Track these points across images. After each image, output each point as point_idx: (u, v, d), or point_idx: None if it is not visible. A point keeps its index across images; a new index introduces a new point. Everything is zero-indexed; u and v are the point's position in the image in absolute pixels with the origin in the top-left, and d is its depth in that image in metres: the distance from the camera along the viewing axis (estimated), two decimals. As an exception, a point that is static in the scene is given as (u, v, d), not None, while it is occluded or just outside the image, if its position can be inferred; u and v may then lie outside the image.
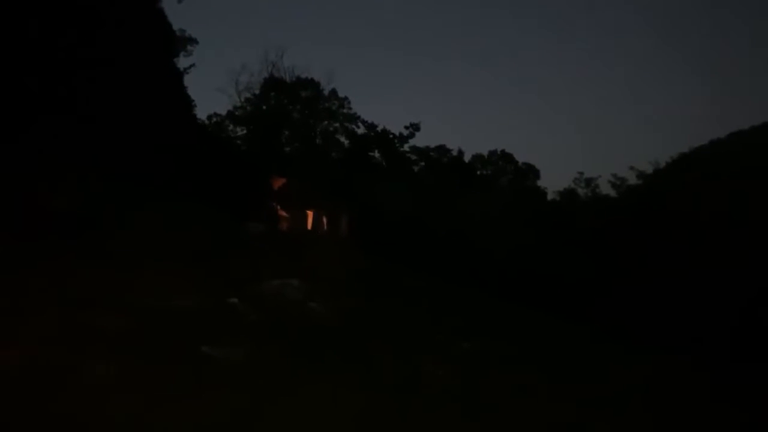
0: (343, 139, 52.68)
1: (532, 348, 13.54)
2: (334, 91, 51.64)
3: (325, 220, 19.57)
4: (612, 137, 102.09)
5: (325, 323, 11.40)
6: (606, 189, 53.69)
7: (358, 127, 52.21)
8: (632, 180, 51.05)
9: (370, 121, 52.04)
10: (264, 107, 49.50)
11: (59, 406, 6.50)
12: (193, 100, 35.63)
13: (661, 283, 25.54)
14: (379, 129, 51.73)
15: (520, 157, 58.94)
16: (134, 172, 20.00)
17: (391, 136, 51.66)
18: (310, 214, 19.50)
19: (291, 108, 50.58)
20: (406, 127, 52.32)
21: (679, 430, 9.13)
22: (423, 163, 54.03)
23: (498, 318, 17.86)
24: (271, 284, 12.48)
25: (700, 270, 24.96)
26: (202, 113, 46.31)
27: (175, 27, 36.01)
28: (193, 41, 39.76)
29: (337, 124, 52.54)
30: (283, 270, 13.88)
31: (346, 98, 51.95)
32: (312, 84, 50.46)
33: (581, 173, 57.16)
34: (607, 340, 18.87)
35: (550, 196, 55.20)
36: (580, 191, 55.27)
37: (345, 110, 52.17)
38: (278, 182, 27.35)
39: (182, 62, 37.14)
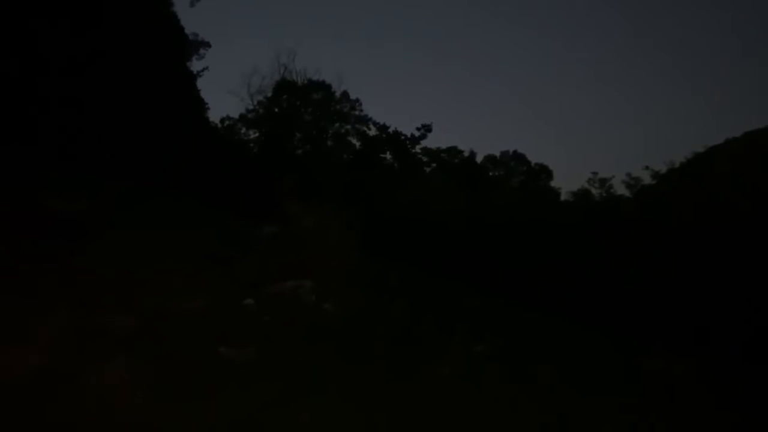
0: (354, 140, 52.63)
1: (544, 350, 13.43)
2: (345, 94, 51.62)
3: (337, 221, 19.53)
4: (627, 137, 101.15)
5: (337, 325, 11.38)
6: (620, 189, 53.16)
7: (370, 128, 52.10)
8: (647, 180, 50.52)
9: (381, 123, 51.92)
10: (276, 110, 49.62)
11: (75, 407, 6.52)
12: (207, 103, 35.90)
13: (675, 284, 25.24)
14: (390, 130, 51.61)
15: (533, 158, 58.60)
16: (145, 174, 20.13)
17: (402, 137, 51.52)
18: (322, 215, 19.52)
19: (302, 110, 50.66)
20: (418, 129, 52.13)
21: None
22: (434, 165, 53.88)
23: (510, 320, 17.72)
24: (284, 286, 12.49)
25: (715, 269, 24.66)
26: (215, 116, 46.52)
27: (188, 31, 36.30)
28: (205, 45, 39.92)
29: (348, 126, 52.49)
30: (296, 272, 13.88)
31: (357, 100, 51.91)
32: (323, 86, 50.48)
33: (595, 173, 56.64)
34: (620, 340, 18.66)
35: (563, 197, 54.78)
36: (594, 191, 54.80)
37: (356, 112, 52.10)
38: (290, 184, 27.41)
39: (195, 65, 37.30)
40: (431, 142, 54.65)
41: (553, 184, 57.25)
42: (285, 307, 11.54)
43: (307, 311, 11.63)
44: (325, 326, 11.19)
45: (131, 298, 10.36)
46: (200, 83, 36.25)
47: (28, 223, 12.38)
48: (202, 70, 37.69)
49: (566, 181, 67.86)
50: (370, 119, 52.23)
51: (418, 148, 53.09)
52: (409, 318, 13.46)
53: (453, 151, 55.69)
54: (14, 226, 12.00)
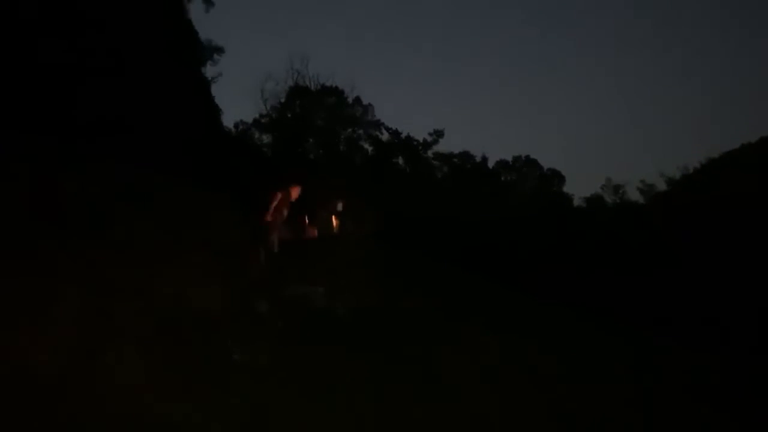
0: (366, 145, 52.78)
1: (557, 343, 13.41)
2: (358, 99, 51.85)
3: (350, 225, 19.52)
4: (641, 143, 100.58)
5: (352, 328, 11.39)
6: (635, 196, 52.82)
7: (382, 133, 52.27)
8: (661, 186, 50.18)
9: (393, 128, 52.05)
10: (289, 115, 49.87)
11: (87, 407, 6.55)
12: (221, 109, 36.20)
13: (690, 284, 25.10)
14: (402, 136, 51.72)
15: (545, 163, 58.44)
16: (162, 168, 20.31)
17: (414, 142, 51.60)
18: (335, 219, 19.53)
19: (315, 115, 50.87)
20: (430, 134, 52.25)
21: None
22: (446, 169, 53.85)
23: (524, 313, 17.67)
24: (298, 289, 12.51)
25: (729, 272, 24.52)
26: (228, 120, 46.84)
27: (203, 36, 36.66)
28: (219, 50, 40.27)
29: (360, 131, 52.68)
30: (310, 274, 13.91)
31: (369, 105, 52.10)
32: (336, 91, 50.72)
33: (608, 179, 56.30)
34: (632, 337, 18.59)
35: (576, 203, 54.50)
36: (608, 198, 54.45)
37: (369, 117, 52.31)
38: (304, 188, 27.44)
39: (209, 71, 37.55)
40: (444, 146, 54.83)
41: (565, 189, 57.05)
42: (298, 310, 11.55)
43: (320, 315, 11.64)
44: (340, 330, 11.20)
45: (145, 295, 10.34)
46: (214, 89, 36.57)
47: (45, 207, 12.25)
48: (217, 76, 37.97)
49: (579, 188, 67.33)
50: (383, 124, 52.45)
51: (430, 153, 53.22)
52: (424, 315, 13.44)
53: (465, 155, 55.67)
54: (31, 210, 11.89)
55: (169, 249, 12.08)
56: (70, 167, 13.92)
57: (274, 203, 14.87)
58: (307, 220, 24.94)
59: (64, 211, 11.81)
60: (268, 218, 14.59)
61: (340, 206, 18.67)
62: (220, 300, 10.77)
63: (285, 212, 15.62)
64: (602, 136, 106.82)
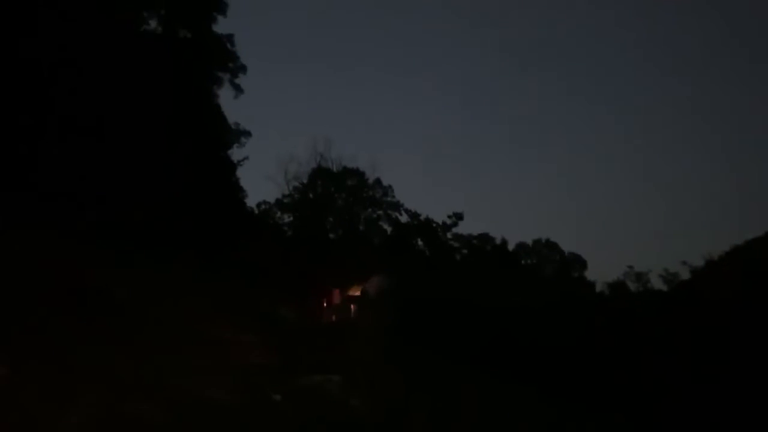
0: (386, 226, 53.29)
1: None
2: (378, 180, 52.88)
3: (367, 313, 19.45)
4: (662, 230, 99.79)
5: (366, 422, 11.06)
6: (658, 284, 51.91)
7: (401, 214, 52.86)
8: (685, 275, 49.27)
9: (413, 210, 52.69)
10: (310, 195, 50.88)
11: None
12: (245, 190, 37.04)
13: (714, 384, 23.94)
14: (422, 218, 52.23)
15: (566, 246, 58.17)
16: (180, 256, 20.62)
17: (434, 225, 51.99)
18: (353, 305, 19.49)
19: (336, 196, 51.84)
20: (449, 216, 52.69)
21: None
22: (465, 251, 53.80)
23: (546, 416, 16.99)
24: (312, 379, 12.30)
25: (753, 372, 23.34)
26: (252, 200, 47.78)
27: (231, 120, 38.10)
28: (246, 134, 41.57)
29: (380, 212, 53.36)
30: (325, 363, 13.71)
31: (390, 186, 53.02)
32: (357, 173, 51.88)
33: (631, 267, 55.51)
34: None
35: (598, 288, 53.66)
36: (631, 285, 53.56)
37: (389, 198, 53.10)
38: (322, 271, 27.63)
39: (236, 154, 38.63)
40: (463, 228, 55.20)
41: (587, 274, 56.43)
42: (313, 402, 11.30)
43: (335, 407, 11.36)
44: (354, 423, 10.89)
45: (160, 384, 10.27)
46: (240, 171, 37.52)
47: (62, 296, 12.47)
48: (243, 160, 38.98)
49: (600, 272, 66.49)
50: (402, 205, 53.20)
51: (449, 235, 53.47)
52: (440, 413, 13.02)
53: (484, 237, 55.77)
54: (49, 300, 12.09)
55: (185, 337, 12.10)
56: (87, 254, 14.25)
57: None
58: (324, 304, 24.99)
59: (80, 299, 12.04)
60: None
61: (358, 292, 18.63)
62: (234, 390, 10.63)
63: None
64: (622, 220, 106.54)
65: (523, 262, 56.52)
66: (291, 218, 50.50)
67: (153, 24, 31.67)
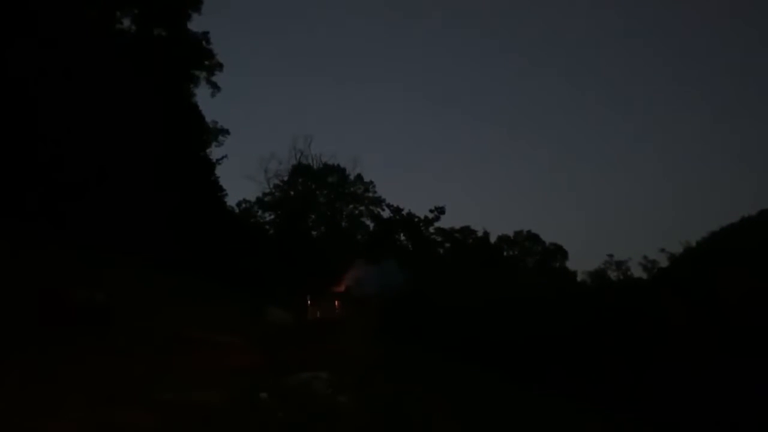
0: (368, 222, 53.21)
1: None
2: (359, 176, 52.75)
3: (352, 309, 19.42)
4: (641, 218, 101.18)
5: (354, 418, 11.05)
6: (637, 272, 52.64)
7: (383, 210, 52.80)
8: (663, 262, 50.08)
9: (395, 205, 52.67)
10: (291, 193, 50.62)
11: None
12: (224, 189, 36.66)
13: (694, 369, 24.37)
14: (404, 212, 52.23)
15: (547, 238, 58.62)
16: (160, 258, 20.42)
17: (416, 219, 52.02)
18: (338, 302, 19.44)
19: (317, 193, 51.63)
20: (431, 211, 52.74)
21: None
22: (448, 245, 53.94)
23: (524, 407, 17.24)
24: (299, 377, 12.22)
25: (734, 355, 23.81)
26: (232, 200, 47.39)
27: (209, 119, 37.67)
28: (224, 132, 41.17)
29: (362, 208, 53.25)
30: (312, 361, 13.66)
31: (371, 182, 52.92)
32: (338, 170, 51.71)
33: (611, 256, 56.18)
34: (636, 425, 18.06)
35: (579, 278, 54.25)
36: (611, 274, 54.24)
37: (370, 194, 53.01)
38: (305, 268, 27.55)
39: (215, 153, 38.22)
40: (445, 221, 55.32)
41: (568, 264, 56.98)
42: (300, 400, 11.25)
43: (323, 404, 11.32)
44: (342, 420, 10.87)
45: (144, 390, 10.21)
46: (219, 170, 37.12)
47: (50, 309, 12.43)
48: (222, 158, 38.59)
49: (581, 262, 67.27)
50: (384, 201, 53.13)
51: (431, 229, 53.54)
52: (426, 406, 13.09)
53: (466, 231, 55.93)
54: (38, 312, 12.05)
55: (171, 341, 12.02)
56: (73, 265, 14.11)
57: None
58: (309, 302, 24.89)
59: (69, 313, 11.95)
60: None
61: (343, 288, 18.61)
62: (221, 391, 10.56)
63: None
64: (602, 210, 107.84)
65: (505, 254, 56.85)
66: (272, 216, 50.21)
67: (126, 23, 31.25)
